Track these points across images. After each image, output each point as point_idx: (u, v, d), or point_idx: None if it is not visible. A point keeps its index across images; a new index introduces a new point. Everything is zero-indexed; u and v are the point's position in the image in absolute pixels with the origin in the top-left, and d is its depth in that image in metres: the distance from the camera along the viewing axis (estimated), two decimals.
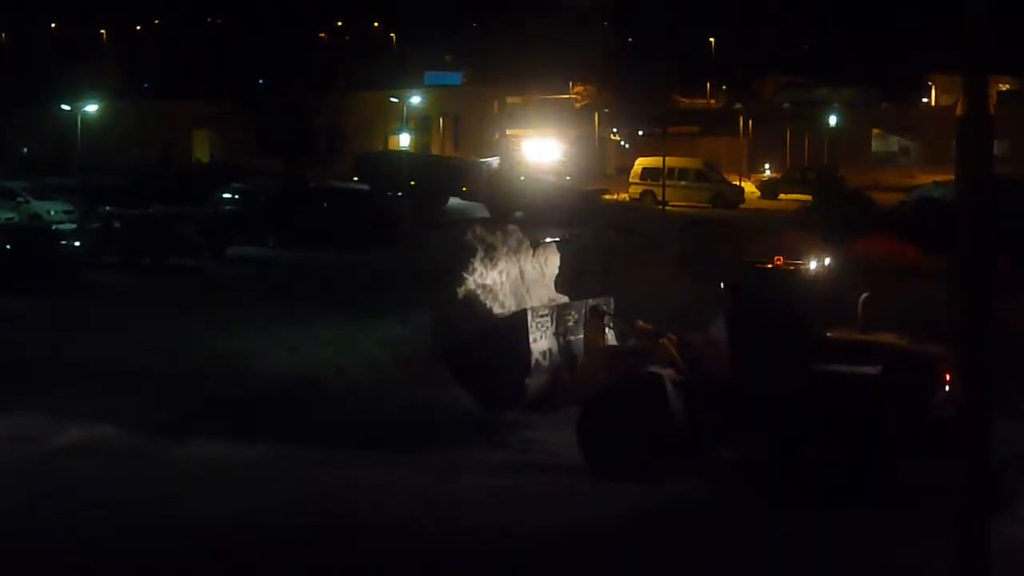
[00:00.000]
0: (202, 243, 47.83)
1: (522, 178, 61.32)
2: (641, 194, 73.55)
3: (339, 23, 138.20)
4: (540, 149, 63.06)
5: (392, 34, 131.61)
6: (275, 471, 19.87)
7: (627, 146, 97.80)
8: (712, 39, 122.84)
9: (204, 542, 16.57)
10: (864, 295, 19.69)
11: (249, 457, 20.58)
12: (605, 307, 21.94)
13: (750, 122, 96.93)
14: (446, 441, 21.12)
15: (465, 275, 21.46)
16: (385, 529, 17.04)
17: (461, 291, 21.45)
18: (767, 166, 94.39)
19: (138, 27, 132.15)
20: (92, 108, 56.97)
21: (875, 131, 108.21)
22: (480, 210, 58.24)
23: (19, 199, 56.89)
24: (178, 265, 45.27)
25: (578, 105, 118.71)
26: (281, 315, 33.58)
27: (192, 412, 23.52)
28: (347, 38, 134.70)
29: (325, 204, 54.92)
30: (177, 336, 30.83)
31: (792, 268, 19.55)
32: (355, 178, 64.60)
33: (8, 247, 40.88)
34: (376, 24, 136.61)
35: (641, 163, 76.30)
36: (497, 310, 21.50)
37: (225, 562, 15.96)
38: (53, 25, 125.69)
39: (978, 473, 9.03)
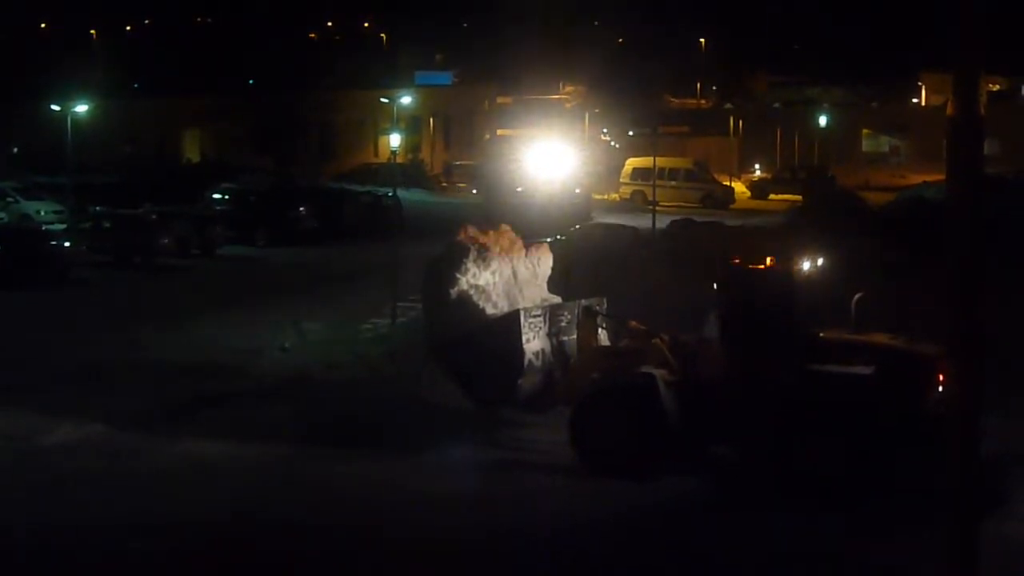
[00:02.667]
0: (192, 242, 47.90)
1: (519, 189, 57.87)
2: (631, 194, 73.61)
3: (329, 23, 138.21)
4: (548, 155, 57.82)
5: (382, 34, 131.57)
6: (269, 469, 19.88)
7: (617, 146, 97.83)
8: (702, 39, 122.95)
9: (199, 540, 16.58)
10: (858, 295, 19.72)
11: (242, 455, 20.58)
12: (598, 307, 21.95)
13: (740, 122, 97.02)
14: (440, 440, 21.13)
15: (458, 275, 21.45)
16: (380, 528, 17.06)
17: (454, 291, 21.44)
18: (757, 166, 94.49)
19: (128, 27, 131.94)
20: (82, 108, 56.81)
21: (865, 131, 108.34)
22: None
23: (8, 199, 56.87)
24: (168, 264, 45.30)
25: (568, 105, 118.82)
26: (273, 313, 33.64)
27: (184, 410, 23.56)
28: (337, 37, 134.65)
29: (301, 209, 54.79)
30: (168, 334, 30.87)
31: (784, 268, 19.56)
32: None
33: None
34: (366, 24, 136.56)
35: (631, 163, 76.33)
36: (490, 310, 21.49)
37: (220, 560, 15.97)
38: (43, 25, 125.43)
39: (969, 471, 9.07)
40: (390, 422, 22.52)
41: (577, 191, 58.09)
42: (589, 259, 33.51)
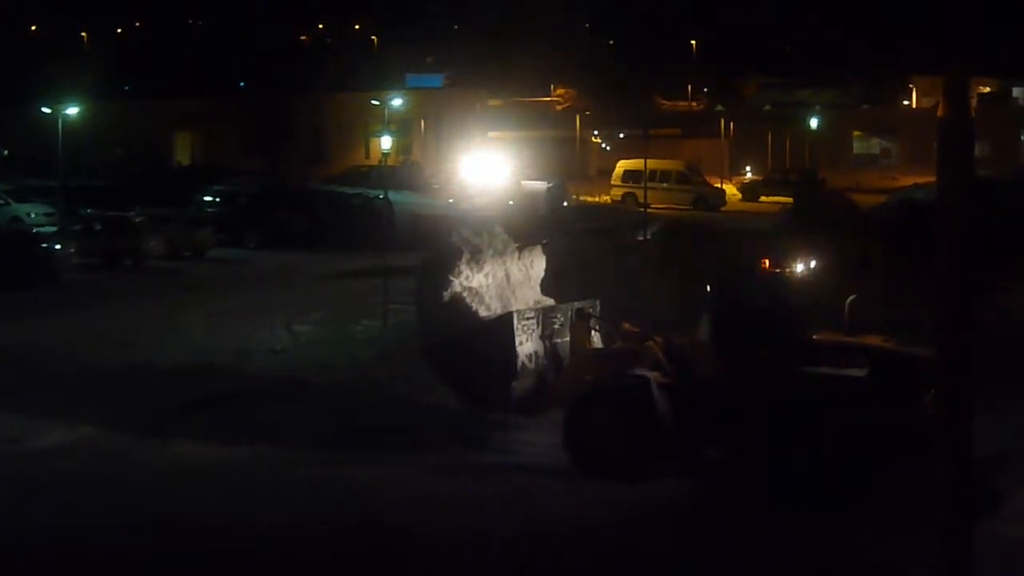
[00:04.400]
0: (183, 245, 47.94)
1: (450, 200, 51.68)
2: (623, 196, 73.75)
3: (320, 25, 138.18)
4: (484, 162, 51.35)
5: (374, 36, 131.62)
6: (260, 472, 19.82)
7: (608, 148, 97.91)
8: (693, 41, 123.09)
9: (192, 543, 16.54)
10: (851, 297, 19.75)
11: (234, 458, 20.54)
12: (591, 310, 21.95)
13: (731, 124, 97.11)
14: (432, 442, 21.10)
15: (451, 277, 21.45)
16: (373, 531, 17.03)
17: (447, 294, 21.43)
18: (748, 168, 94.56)
19: (119, 29, 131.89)
20: (73, 111, 56.86)
21: (856, 133, 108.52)
22: None
23: (0, 202, 56.91)
24: (159, 267, 45.34)
25: (559, 108, 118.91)
26: (264, 315, 33.65)
27: (176, 412, 23.52)
28: (328, 40, 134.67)
29: (291, 211, 54.69)
30: (159, 337, 30.87)
31: (778, 270, 19.60)
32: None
33: None
34: (357, 26, 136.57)
35: (622, 165, 76.49)
36: (483, 313, 21.49)
37: (213, 563, 15.96)
38: (34, 27, 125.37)
39: (962, 472, 9.10)
40: (382, 425, 22.50)
41: (511, 203, 49.52)
42: (582, 262, 33.48)
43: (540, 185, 56.32)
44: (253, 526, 17.20)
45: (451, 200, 51.71)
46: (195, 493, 18.69)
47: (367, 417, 23.10)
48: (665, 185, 74.16)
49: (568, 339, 21.47)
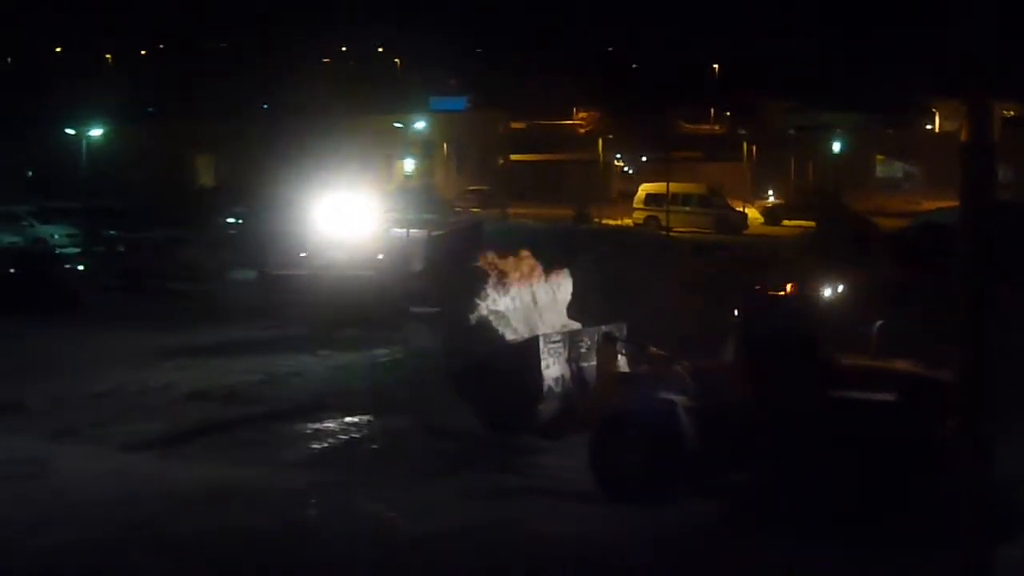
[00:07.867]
0: (204, 267, 48.05)
1: (303, 255, 42.93)
2: (645, 219, 73.84)
3: (343, 48, 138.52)
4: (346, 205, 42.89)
5: (396, 59, 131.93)
6: (280, 495, 19.76)
7: (631, 171, 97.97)
8: (716, 65, 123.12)
9: (208, 566, 16.52)
10: (879, 321, 19.69)
11: (254, 480, 20.48)
12: (618, 333, 21.93)
13: (754, 148, 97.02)
14: (457, 466, 21.00)
15: (477, 301, 21.46)
16: (395, 554, 17.00)
17: (473, 317, 21.45)
18: (771, 192, 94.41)
19: (143, 51, 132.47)
20: (96, 132, 57.14)
21: (879, 157, 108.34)
22: None
23: (24, 223, 57.24)
24: (180, 289, 45.43)
25: (582, 131, 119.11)
26: (285, 339, 33.67)
27: (196, 435, 23.50)
28: (351, 63, 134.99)
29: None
30: (180, 359, 30.91)
31: (806, 294, 19.56)
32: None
33: (12, 271, 41.17)
34: (380, 49, 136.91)
35: (645, 189, 76.64)
36: (509, 336, 21.49)
37: None
38: (58, 49, 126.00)
39: (982, 495, 9.10)
40: (405, 447, 22.49)
41: (380, 256, 41.32)
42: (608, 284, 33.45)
43: (416, 234, 44.94)
44: (271, 550, 17.10)
45: (303, 254, 42.89)
46: (213, 516, 18.51)
47: (388, 440, 23.09)
48: (687, 208, 74.21)
49: (595, 363, 21.45)
